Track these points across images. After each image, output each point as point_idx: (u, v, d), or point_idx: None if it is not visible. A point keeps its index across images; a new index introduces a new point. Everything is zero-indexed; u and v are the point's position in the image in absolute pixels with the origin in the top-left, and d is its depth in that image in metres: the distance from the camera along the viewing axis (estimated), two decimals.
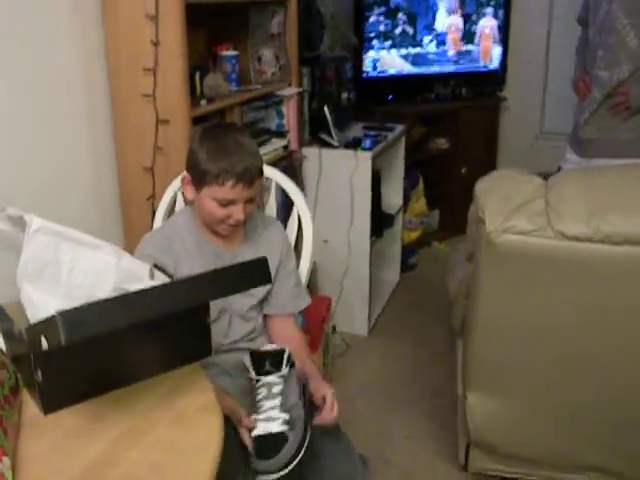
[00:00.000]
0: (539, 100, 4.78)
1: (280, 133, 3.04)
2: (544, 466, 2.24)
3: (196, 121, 2.30)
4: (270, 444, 1.51)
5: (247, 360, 1.65)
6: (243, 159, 1.64)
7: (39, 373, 1.19)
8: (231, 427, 1.65)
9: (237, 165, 1.62)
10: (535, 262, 1.76)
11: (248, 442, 1.57)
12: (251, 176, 1.65)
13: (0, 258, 1.69)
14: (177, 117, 2.20)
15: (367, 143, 3.28)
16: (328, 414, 1.66)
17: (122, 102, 2.30)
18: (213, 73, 2.50)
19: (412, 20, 4.19)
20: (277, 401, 1.57)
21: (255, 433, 1.54)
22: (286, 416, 1.54)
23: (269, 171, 2.11)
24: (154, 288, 1.20)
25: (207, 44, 2.74)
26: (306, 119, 3.25)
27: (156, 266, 1.51)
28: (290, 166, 3.12)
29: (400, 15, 4.13)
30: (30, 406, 1.29)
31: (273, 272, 1.86)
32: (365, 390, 3.06)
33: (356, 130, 3.59)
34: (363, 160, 3.16)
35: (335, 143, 3.20)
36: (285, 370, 1.61)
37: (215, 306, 1.78)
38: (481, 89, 4.58)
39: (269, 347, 1.71)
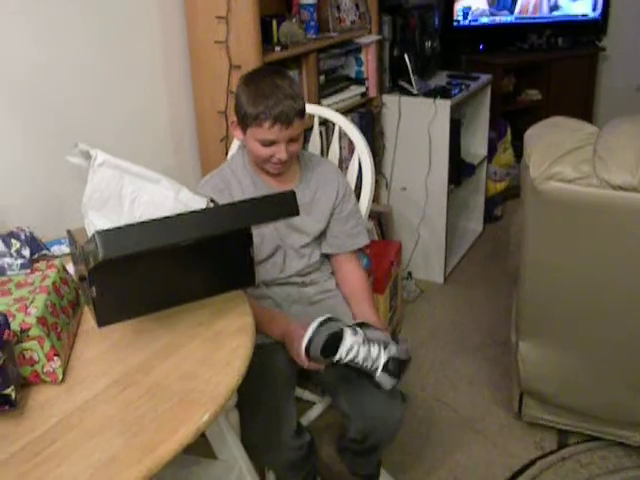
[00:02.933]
0: None
1: (359, 80, 3.10)
2: (596, 420, 2.26)
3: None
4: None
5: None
6: (279, 101, 1.71)
7: (93, 290, 1.33)
8: (280, 351, 1.79)
9: (274, 107, 1.71)
10: (579, 210, 1.76)
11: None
12: (288, 117, 1.72)
13: (77, 190, 1.85)
14: (249, 63, 2.30)
15: (448, 92, 3.27)
16: None
17: (198, 48, 2.43)
18: (289, 21, 2.58)
19: None
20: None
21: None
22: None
23: (331, 114, 2.18)
24: (190, 213, 1.32)
25: None
26: (386, 67, 3.28)
27: (212, 201, 1.63)
28: (369, 113, 3.18)
29: None
30: (88, 320, 1.46)
31: (328, 212, 1.95)
32: (435, 335, 3.13)
33: (440, 79, 3.59)
34: (442, 108, 3.17)
35: (414, 91, 3.23)
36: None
37: (270, 243, 1.90)
38: (579, 39, 4.44)
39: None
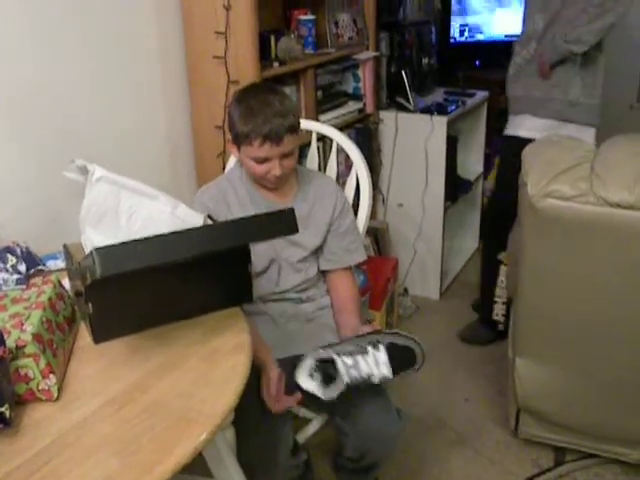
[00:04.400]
0: (636, 68, 4.60)
1: (356, 96, 3.10)
2: (593, 438, 2.25)
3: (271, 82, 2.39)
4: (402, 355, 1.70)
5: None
6: (268, 119, 1.71)
7: (89, 306, 1.32)
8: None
9: (263, 125, 1.70)
10: (577, 227, 1.76)
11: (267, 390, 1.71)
12: (277, 135, 1.71)
13: (74, 203, 1.84)
14: (247, 78, 2.30)
15: (445, 108, 3.28)
16: None
17: (196, 63, 2.44)
18: (287, 37, 2.58)
19: None
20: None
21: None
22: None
23: (329, 131, 2.18)
24: (188, 231, 1.31)
25: (284, 8, 2.82)
26: (383, 83, 3.29)
27: (210, 217, 1.62)
28: (366, 128, 3.18)
29: None
30: (84, 337, 1.45)
31: (325, 226, 1.95)
32: (431, 352, 3.02)
33: (437, 95, 3.60)
34: (438, 125, 3.18)
35: (411, 107, 3.24)
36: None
37: (265, 256, 1.89)
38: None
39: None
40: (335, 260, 1.97)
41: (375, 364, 1.64)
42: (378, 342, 1.67)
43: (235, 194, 1.89)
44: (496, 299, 2.96)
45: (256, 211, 1.85)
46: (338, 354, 1.63)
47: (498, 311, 2.96)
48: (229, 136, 1.85)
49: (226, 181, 1.94)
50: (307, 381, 1.62)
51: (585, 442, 2.28)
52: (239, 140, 1.77)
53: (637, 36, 4.54)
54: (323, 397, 1.61)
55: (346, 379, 1.61)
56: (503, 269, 2.84)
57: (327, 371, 1.61)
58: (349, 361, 1.62)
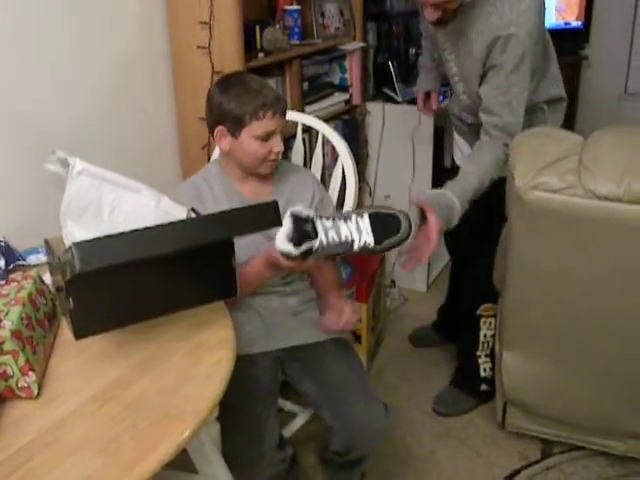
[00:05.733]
0: (624, 59, 4.61)
1: (343, 87, 3.08)
2: (580, 430, 2.24)
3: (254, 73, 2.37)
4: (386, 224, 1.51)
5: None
6: (271, 90, 1.76)
7: (70, 301, 1.29)
8: (263, 366, 1.76)
9: (269, 96, 1.72)
10: (564, 220, 1.74)
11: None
12: (283, 104, 1.76)
13: (56, 196, 1.81)
14: (232, 69, 2.26)
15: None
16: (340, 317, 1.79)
17: (180, 54, 2.41)
18: (272, 27, 2.55)
19: None
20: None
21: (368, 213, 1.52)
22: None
23: (314, 122, 2.16)
24: (170, 224, 1.29)
25: None
26: (370, 74, 3.27)
27: (193, 210, 1.60)
28: (353, 120, 3.16)
29: None
30: (65, 332, 1.42)
31: None
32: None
33: None
34: (426, 116, 3.14)
35: (398, 98, 3.22)
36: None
37: (246, 252, 1.85)
38: (561, 47, 4.43)
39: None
40: None
41: (357, 230, 1.50)
42: (363, 213, 1.52)
43: (211, 190, 1.86)
44: (479, 353, 2.57)
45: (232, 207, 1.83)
46: (320, 217, 1.50)
47: (485, 366, 2.58)
48: (217, 128, 1.80)
49: (201, 178, 1.90)
50: (284, 243, 1.48)
51: (572, 434, 2.27)
52: (243, 122, 1.72)
53: (624, 27, 4.55)
54: (295, 253, 1.47)
55: (323, 238, 1.48)
56: (484, 322, 2.50)
57: (305, 231, 1.48)
58: (328, 223, 1.50)
